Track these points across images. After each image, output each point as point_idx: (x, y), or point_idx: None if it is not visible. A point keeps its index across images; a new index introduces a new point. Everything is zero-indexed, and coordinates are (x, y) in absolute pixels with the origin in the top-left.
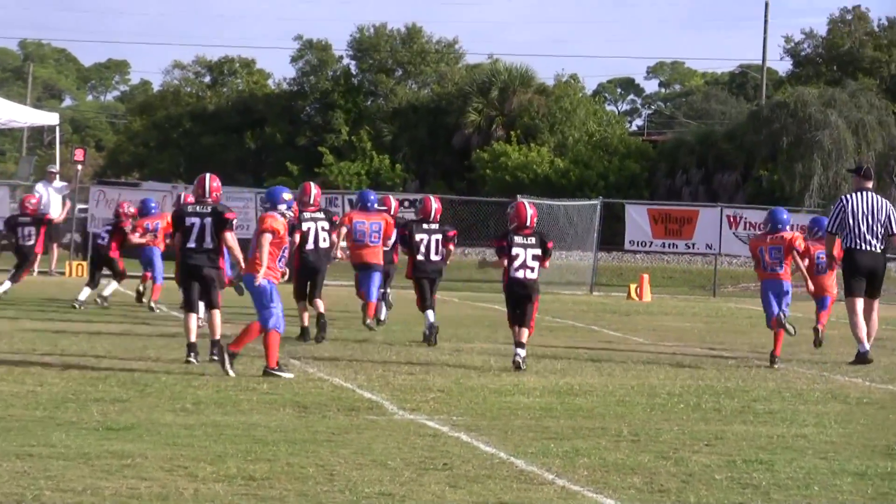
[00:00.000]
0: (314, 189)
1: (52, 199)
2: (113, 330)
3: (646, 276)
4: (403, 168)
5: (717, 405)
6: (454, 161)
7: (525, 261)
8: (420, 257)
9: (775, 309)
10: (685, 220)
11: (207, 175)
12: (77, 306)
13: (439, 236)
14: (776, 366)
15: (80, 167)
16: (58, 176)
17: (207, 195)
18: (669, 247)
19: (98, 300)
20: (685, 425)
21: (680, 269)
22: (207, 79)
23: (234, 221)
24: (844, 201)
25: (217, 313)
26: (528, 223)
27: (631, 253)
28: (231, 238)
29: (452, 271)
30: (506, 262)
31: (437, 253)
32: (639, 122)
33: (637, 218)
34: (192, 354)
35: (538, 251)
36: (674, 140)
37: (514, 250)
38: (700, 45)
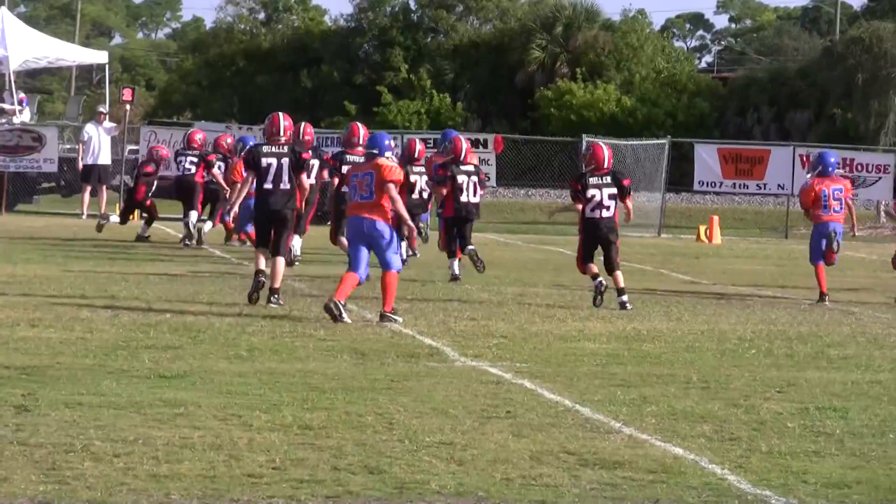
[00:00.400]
0: (362, 130)
1: (102, 141)
2: (163, 273)
3: (715, 218)
4: (465, 107)
5: (789, 351)
6: (517, 100)
7: (602, 200)
8: (463, 198)
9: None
10: (756, 160)
11: (280, 114)
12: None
13: (475, 178)
14: (827, 302)
15: (128, 107)
16: (107, 117)
17: (281, 134)
18: (740, 187)
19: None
20: (756, 372)
21: (751, 211)
22: (262, 15)
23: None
24: None
25: (281, 261)
26: (605, 165)
27: (700, 194)
28: (306, 179)
29: (516, 212)
30: (579, 205)
31: (475, 194)
32: (708, 58)
33: (706, 158)
34: (262, 277)
35: (614, 190)
36: (744, 77)
37: (590, 192)
38: None
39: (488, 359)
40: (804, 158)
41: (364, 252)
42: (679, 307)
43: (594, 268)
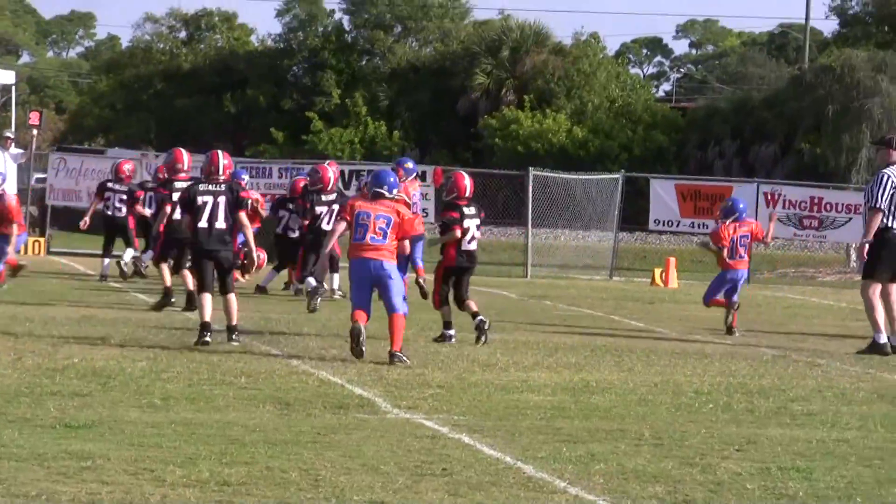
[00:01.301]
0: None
1: (8, 169)
2: (71, 314)
3: (672, 260)
4: (402, 136)
5: (749, 405)
6: (459, 129)
7: (474, 233)
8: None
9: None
10: (717, 197)
11: (220, 152)
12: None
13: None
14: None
15: (35, 132)
16: (13, 142)
17: (220, 172)
18: (699, 227)
19: (124, 268)
20: (714, 428)
21: (710, 253)
22: (183, 34)
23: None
24: (888, 176)
25: (233, 297)
26: (467, 194)
27: (656, 233)
28: (244, 218)
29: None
30: (459, 231)
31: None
32: (667, 86)
33: (663, 194)
34: (207, 334)
35: (478, 221)
36: (706, 107)
37: (465, 222)
38: (736, 1)
39: (423, 411)
40: (769, 196)
41: (369, 294)
42: (631, 357)
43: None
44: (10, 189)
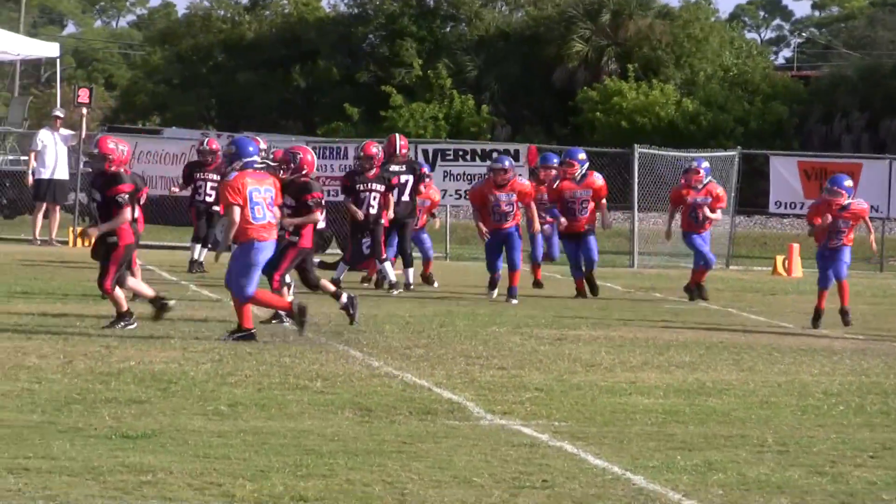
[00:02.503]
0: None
1: (59, 151)
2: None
3: (796, 247)
4: (491, 111)
5: (885, 407)
6: (555, 102)
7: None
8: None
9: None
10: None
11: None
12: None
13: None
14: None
15: (85, 110)
16: (62, 122)
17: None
18: None
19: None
20: (845, 432)
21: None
22: (245, 0)
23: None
24: None
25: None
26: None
27: (777, 217)
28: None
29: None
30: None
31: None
32: (787, 53)
33: (785, 173)
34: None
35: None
36: (830, 76)
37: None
38: None
39: (520, 416)
40: None
41: None
42: (751, 354)
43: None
44: (62, 174)
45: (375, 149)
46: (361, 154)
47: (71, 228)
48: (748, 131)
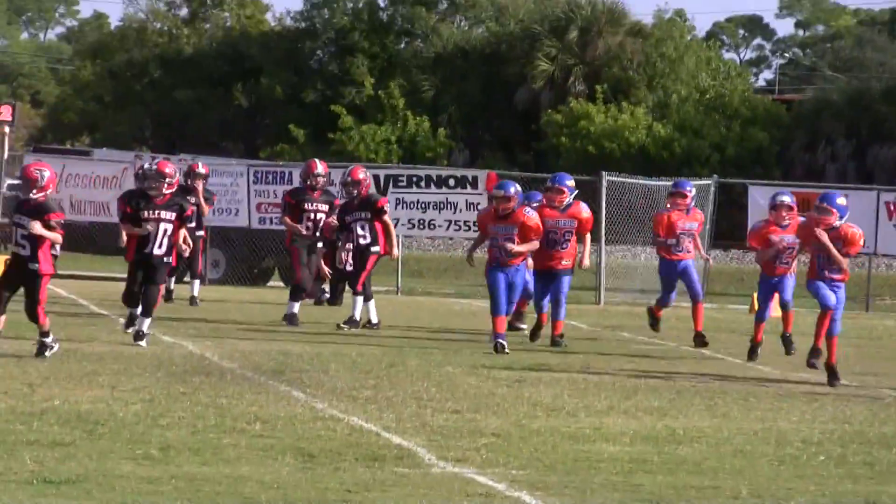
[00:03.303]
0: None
1: None
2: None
3: None
4: (449, 134)
5: (868, 458)
6: (517, 125)
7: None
8: None
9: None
10: None
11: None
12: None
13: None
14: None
15: (7, 129)
16: None
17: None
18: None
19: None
20: (826, 485)
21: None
22: (184, 11)
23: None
24: None
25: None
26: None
27: (756, 251)
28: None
29: None
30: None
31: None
32: (768, 75)
33: (764, 204)
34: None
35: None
36: (815, 100)
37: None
38: None
39: (475, 464)
40: (892, 207)
41: None
42: (726, 400)
43: None
44: None
45: (363, 174)
46: (349, 179)
47: None
48: (725, 158)
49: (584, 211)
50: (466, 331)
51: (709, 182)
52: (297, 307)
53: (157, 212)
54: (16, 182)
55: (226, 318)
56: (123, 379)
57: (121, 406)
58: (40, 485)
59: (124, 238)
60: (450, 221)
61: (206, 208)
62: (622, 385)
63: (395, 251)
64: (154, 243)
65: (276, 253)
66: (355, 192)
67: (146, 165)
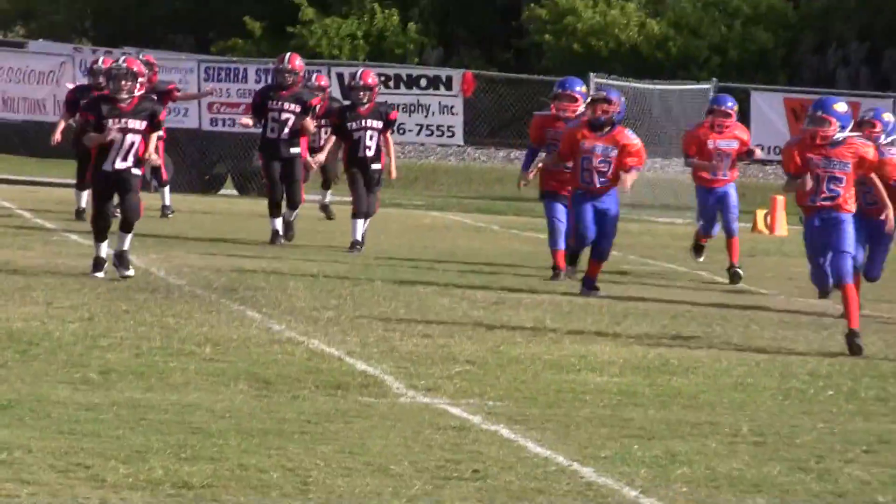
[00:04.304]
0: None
1: None
2: None
3: (780, 199)
4: (420, 30)
5: (882, 393)
6: (496, 21)
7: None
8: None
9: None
10: None
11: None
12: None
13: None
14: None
15: None
16: None
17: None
18: None
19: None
20: (834, 422)
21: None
22: None
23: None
24: None
25: None
26: None
27: (758, 164)
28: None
29: (491, 184)
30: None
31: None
32: None
33: (768, 111)
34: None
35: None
36: None
37: None
38: None
39: (448, 394)
40: None
41: None
42: (725, 326)
43: None
44: None
45: (373, 78)
46: (359, 83)
47: None
48: (726, 61)
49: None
50: (438, 247)
51: (707, 87)
52: (278, 223)
53: (124, 119)
54: None
55: (174, 231)
56: (60, 295)
57: (57, 325)
58: None
59: (58, 136)
60: (421, 126)
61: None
62: (611, 309)
63: (394, 170)
64: (118, 155)
65: (230, 158)
66: (365, 97)
67: (100, 61)
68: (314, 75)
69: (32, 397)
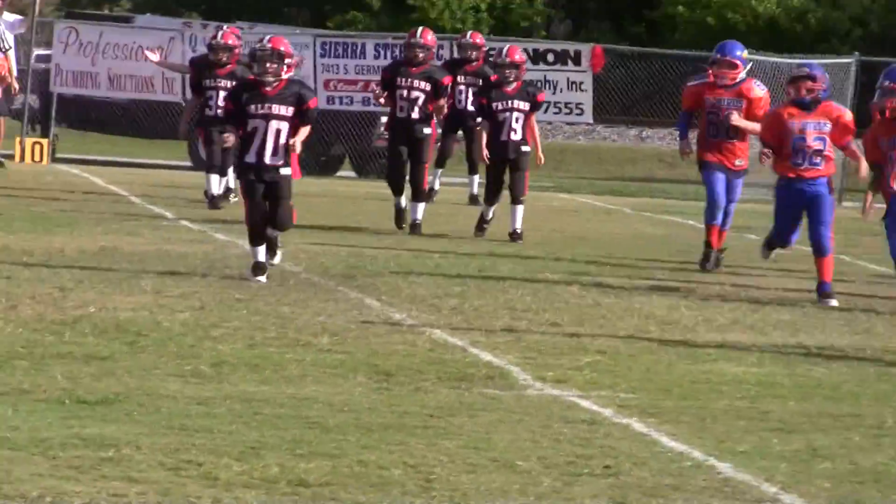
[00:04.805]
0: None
1: (4, 38)
2: (85, 246)
3: None
4: (547, 1)
5: None
6: None
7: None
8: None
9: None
10: None
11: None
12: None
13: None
14: None
15: None
16: (5, 5)
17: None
18: None
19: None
20: None
21: None
22: None
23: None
24: None
25: None
26: None
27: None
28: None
29: (623, 164)
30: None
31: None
32: None
33: None
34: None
35: None
36: None
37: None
38: None
39: (577, 386)
40: None
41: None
42: (868, 314)
43: None
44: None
45: (520, 54)
46: (505, 60)
47: (18, 139)
48: (869, 33)
49: (759, 89)
50: (567, 231)
51: (849, 60)
52: (420, 210)
53: (267, 105)
54: (46, 53)
55: None
56: (170, 283)
57: (166, 315)
58: (73, 405)
59: (184, 128)
60: (548, 104)
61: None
62: (748, 295)
63: (541, 155)
64: (263, 146)
65: (348, 138)
66: (512, 76)
67: (219, 36)
68: (468, 33)
69: (141, 391)
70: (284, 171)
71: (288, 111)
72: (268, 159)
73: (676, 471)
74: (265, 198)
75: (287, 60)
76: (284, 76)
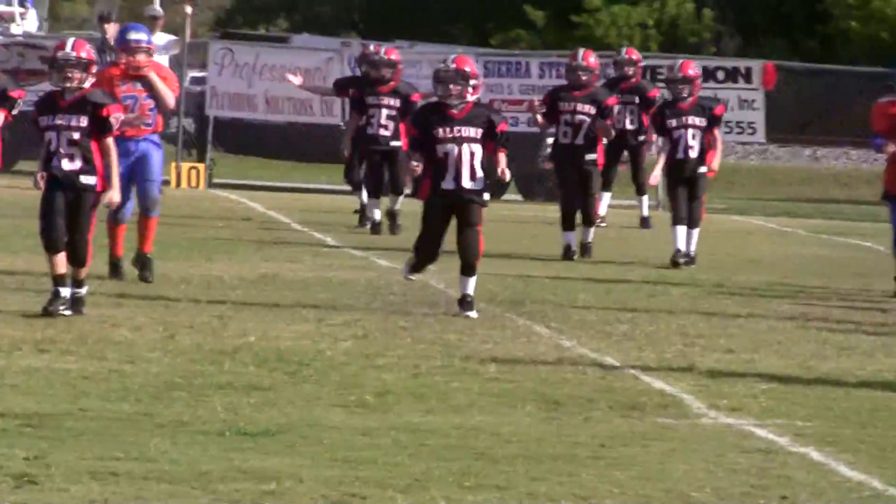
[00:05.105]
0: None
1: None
2: (245, 274)
3: None
4: (716, 17)
5: None
6: (799, 5)
7: None
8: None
9: None
10: None
11: None
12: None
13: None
14: None
15: (189, 10)
16: (162, 25)
17: None
18: None
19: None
20: None
21: None
22: None
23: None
24: None
25: None
26: None
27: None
28: None
29: (796, 185)
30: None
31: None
32: None
33: None
34: None
35: None
36: None
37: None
38: None
39: (753, 414)
40: None
41: None
42: None
43: None
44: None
45: (693, 70)
46: (679, 75)
47: (174, 163)
48: None
49: None
50: (740, 254)
51: None
52: (571, 237)
53: (457, 128)
54: (201, 75)
55: (452, 239)
56: (332, 311)
57: (329, 343)
58: (234, 437)
59: (348, 149)
60: None
61: None
62: None
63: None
64: (458, 170)
65: (513, 160)
66: (685, 91)
67: (381, 52)
68: (624, 49)
69: (303, 422)
70: (479, 198)
71: (477, 133)
72: (466, 184)
73: (856, 501)
74: (458, 222)
75: (472, 81)
76: (470, 98)
